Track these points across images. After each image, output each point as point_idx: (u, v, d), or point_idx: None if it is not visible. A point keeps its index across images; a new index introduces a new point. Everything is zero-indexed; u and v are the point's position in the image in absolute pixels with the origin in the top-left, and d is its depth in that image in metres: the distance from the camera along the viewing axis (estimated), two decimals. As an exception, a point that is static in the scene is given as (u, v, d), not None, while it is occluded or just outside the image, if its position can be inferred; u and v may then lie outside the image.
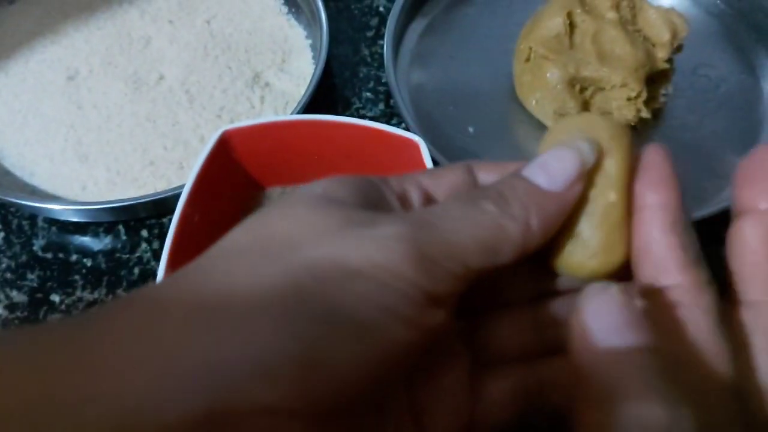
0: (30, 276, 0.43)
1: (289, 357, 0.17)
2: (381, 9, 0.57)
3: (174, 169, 0.46)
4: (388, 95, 0.51)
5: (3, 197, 0.42)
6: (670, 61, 0.47)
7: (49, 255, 0.44)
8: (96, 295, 0.42)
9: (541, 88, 0.46)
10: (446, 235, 0.19)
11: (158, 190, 0.43)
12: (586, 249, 0.21)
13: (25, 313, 0.42)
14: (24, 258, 0.44)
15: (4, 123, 0.49)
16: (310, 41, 0.53)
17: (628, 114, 0.45)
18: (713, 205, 0.42)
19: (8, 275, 0.43)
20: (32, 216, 0.45)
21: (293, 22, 0.54)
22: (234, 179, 0.42)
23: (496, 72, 0.51)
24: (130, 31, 0.53)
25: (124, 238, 0.44)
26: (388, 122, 0.45)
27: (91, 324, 0.17)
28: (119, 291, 0.42)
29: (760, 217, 0.20)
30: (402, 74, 0.50)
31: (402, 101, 0.46)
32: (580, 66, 0.45)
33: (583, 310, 0.19)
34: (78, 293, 0.42)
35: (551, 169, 0.21)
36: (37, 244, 0.44)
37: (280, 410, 0.16)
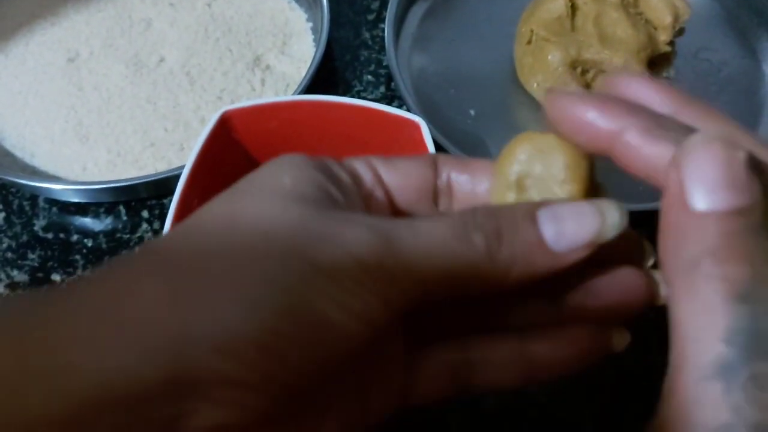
0: (31, 256, 0.43)
1: (250, 340, 0.18)
2: (382, -8, 0.57)
3: (174, 150, 0.46)
4: (389, 78, 0.51)
5: (4, 177, 0.43)
6: (671, 44, 0.47)
7: (49, 235, 0.44)
8: (97, 275, 0.42)
9: (542, 71, 0.46)
10: (412, 256, 0.19)
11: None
12: None
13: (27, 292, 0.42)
14: (25, 238, 0.44)
15: (4, 104, 0.49)
16: (310, 24, 0.53)
17: (629, 96, 0.45)
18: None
19: (9, 255, 0.43)
20: (33, 196, 0.45)
21: (294, 5, 0.54)
22: (234, 160, 0.42)
23: (497, 55, 0.51)
24: (130, 13, 0.53)
25: (124, 218, 0.45)
26: (388, 105, 0.45)
27: (65, 296, 0.19)
28: (120, 271, 0.42)
29: None
30: (403, 58, 0.50)
31: (403, 84, 0.46)
32: (582, 48, 0.45)
33: (682, 166, 0.17)
34: (79, 273, 0.42)
35: (564, 226, 0.20)
36: (38, 225, 0.44)
37: (239, 383, 0.18)
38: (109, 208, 0.45)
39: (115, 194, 0.44)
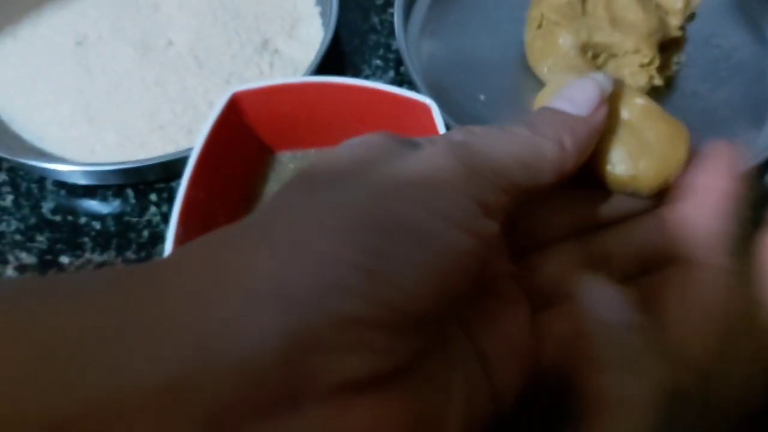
0: (39, 238, 0.43)
1: (356, 267, 0.17)
2: (391, -23, 0.56)
3: (183, 133, 0.46)
4: (398, 63, 0.51)
5: (12, 159, 0.42)
6: (682, 29, 0.46)
7: (58, 218, 0.44)
8: (105, 257, 0.42)
9: (553, 55, 0.46)
10: (486, 152, 0.20)
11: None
12: (630, 159, 0.23)
13: (35, 275, 0.42)
14: (33, 220, 0.44)
15: (13, 87, 0.48)
16: (319, 9, 0.53)
17: (641, 80, 0.44)
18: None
19: (18, 237, 0.43)
20: (41, 179, 0.45)
21: (302, -11, 0.54)
22: (243, 142, 0.41)
23: (507, 39, 0.50)
24: (138, -4, 0.52)
25: (132, 201, 0.44)
26: (398, 88, 0.45)
27: (157, 266, 0.17)
28: (128, 253, 0.42)
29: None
30: (412, 42, 0.50)
31: (413, 67, 0.46)
32: (593, 32, 0.44)
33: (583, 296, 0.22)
34: (87, 255, 0.42)
35: (575, 98, 0.23)
36: (46, 207, 0.44)
37: (361, 319, 0.16)
38: (117, 191, 0.45)
39: (123, 176, 0.44)
